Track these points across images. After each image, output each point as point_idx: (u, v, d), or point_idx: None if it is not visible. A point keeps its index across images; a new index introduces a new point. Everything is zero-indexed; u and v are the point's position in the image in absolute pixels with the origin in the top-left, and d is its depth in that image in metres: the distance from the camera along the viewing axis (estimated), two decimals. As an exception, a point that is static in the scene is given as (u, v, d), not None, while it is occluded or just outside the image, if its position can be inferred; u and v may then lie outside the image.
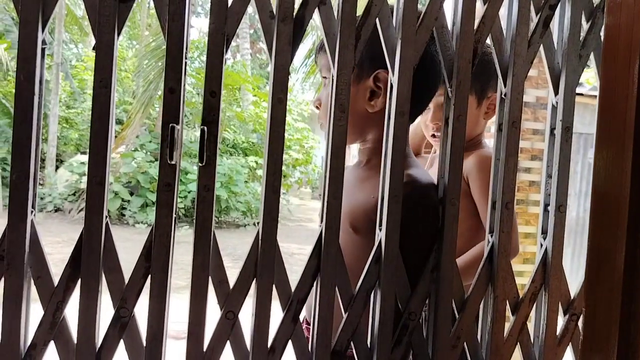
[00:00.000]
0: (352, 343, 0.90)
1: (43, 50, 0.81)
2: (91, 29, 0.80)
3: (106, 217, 0.82)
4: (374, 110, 1.00)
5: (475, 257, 1.24)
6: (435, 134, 1.38)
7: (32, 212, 0.80)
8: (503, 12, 0.97)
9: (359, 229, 0.98)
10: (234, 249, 7.28)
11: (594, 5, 1.01)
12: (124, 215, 9.44)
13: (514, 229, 1.30)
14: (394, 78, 0.90)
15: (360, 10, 0.88)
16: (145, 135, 10.32)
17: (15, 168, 0.78)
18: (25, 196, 0.78)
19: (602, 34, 1.00)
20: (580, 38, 1.00)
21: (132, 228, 9.04)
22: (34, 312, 0.83)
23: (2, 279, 0.79)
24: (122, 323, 0.82)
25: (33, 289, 0.82)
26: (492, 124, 3.13)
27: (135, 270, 0.82)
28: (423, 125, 1.43)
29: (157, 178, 0.80)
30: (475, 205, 1.34)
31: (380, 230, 0.91)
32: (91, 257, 0.80)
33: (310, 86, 14.37)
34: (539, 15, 0.97)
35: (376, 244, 0.91)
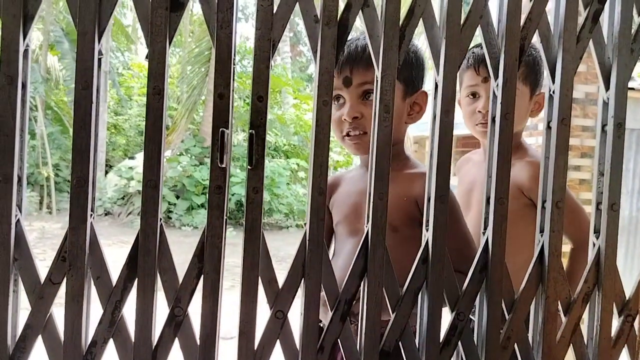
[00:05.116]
0: (400, 343, 0.90)
1: (99, 60, 0.84)
2: (144, 38, 0.83)
3: (160, 219, 0.85)
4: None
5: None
6: (483, 121, 1.31)
7: (91, 215, 0.84)
8: (550, 6, 0.96)
9: (398, 227, 1.02)
10: (277, 251, 7.35)
11: (646, -3, 0.98)
12: (171, 218, 9.68)
13: (584, 227, 1.22)
14: (438, 78, 0.90)
15: (404, 11, 0.88)
16: (189, 140, 10.55)
17: (75, 173, 0.82)
18: (85, 200, 0.82)
19: (655, 26, 0.97)
20: (632, 31, 0.97)
21: (178, 230, 9.25)
22: (94, 311, 0.87)
23: (65, 279, 0.83)
24: (177, 322, 0.85)
25: (93, 288, 0.86)
26: (538, 121, 3.06)
27: (189, 271, 0.85)
28: (469, 113, 1.36)
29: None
30: (529, 209, 1.32)
31: (427, 230, 0.91)
32: (147, 257, 0.83)
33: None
34: (587, 10, 0.95)
35: (423, 244, 0.91)
